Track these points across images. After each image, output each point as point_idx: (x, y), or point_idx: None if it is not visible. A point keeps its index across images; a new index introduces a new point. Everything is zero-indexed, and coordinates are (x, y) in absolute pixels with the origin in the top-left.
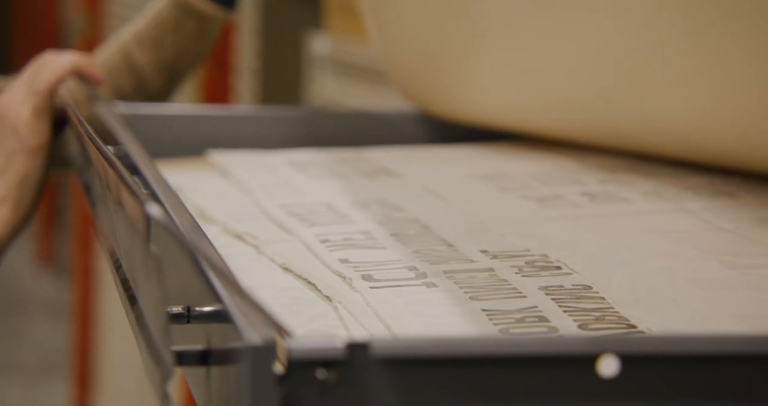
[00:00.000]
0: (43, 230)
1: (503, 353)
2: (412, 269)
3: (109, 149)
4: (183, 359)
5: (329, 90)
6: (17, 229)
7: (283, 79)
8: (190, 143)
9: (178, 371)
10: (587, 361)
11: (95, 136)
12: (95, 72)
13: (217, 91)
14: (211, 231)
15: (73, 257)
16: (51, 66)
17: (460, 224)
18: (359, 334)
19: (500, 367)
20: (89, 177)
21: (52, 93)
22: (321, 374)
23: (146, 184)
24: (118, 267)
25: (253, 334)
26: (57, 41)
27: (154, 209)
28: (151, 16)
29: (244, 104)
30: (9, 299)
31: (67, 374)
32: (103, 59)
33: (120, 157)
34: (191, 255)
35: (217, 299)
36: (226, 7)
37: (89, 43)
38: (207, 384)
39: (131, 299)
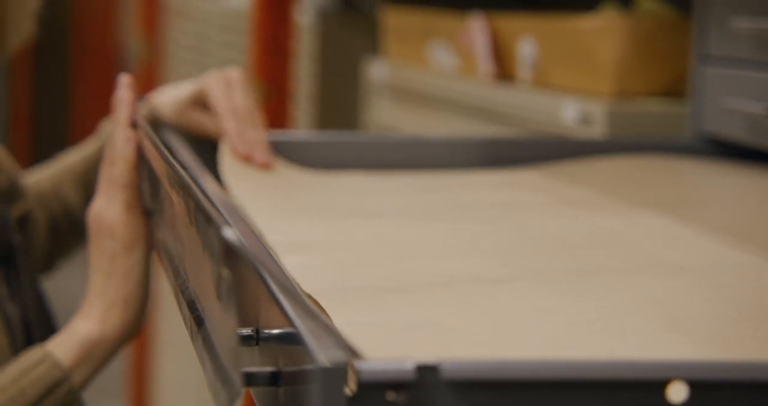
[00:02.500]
0: None
1: (573, 378)
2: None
3: (185, 172)
4: (253, 380)
5: (386, 116)
6: (132, 327)
7: (340, 105)
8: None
9: (245, 392)
10: (657, 387)
11: (171, 158)
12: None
13: (275, 117)
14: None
15: None
16: (119, 154)
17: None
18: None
19: (570, 391)
20: (152, 201)
21: (134, 183)
22: (391, 396)
23: (216, 208)
24: (183, 289)
25: (324, 356)
26: (114, 64)
27: (229, 233)
28: (84, 155)
29: (301, 130)
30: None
31: (124, 396)
32: (36, 180)
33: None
34: (262, 278)
35: (288, 321)
36: None
37: (148, 67)
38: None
39: (198, 321)
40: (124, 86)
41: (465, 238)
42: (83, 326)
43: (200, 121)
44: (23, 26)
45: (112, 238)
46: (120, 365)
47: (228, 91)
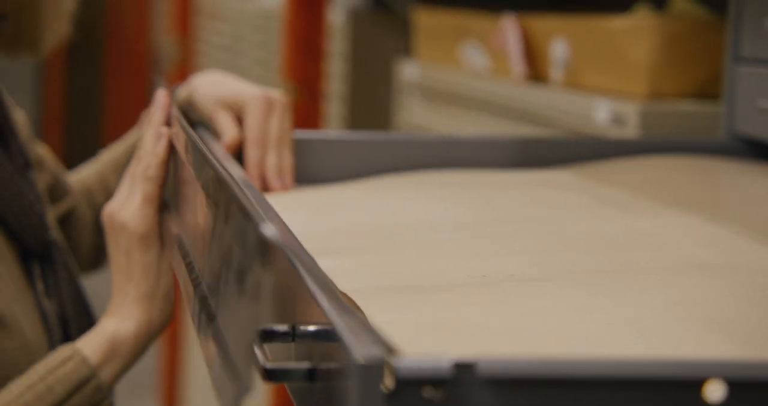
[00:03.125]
0: None
1: (610, 376)
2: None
3: (222, 168)
4: (289, 376)
5: (417, 116)
6: (159, 322)
7: (372, 105)
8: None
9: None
10: (693, 386)
11: (209, 153)
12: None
13: (307, 116)
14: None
15: None
16: (149, 150)
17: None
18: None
19: (606, 389)
20: (174, 196)
21: (159, 177)
22: (428, 392)
23: (255, 205)
24: (196, 285)
25: (361, 353)
26: (147, 65)
27: (268, 229)
28: (127, 145)
29: (333, 130)
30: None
31: (155, 394)
32: (82, 177)
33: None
34: (300, 275)
35: (326, 318)
36: None
37: (180, 68)
38: (312, 401)
39: (209, 317)
40: (162, 91)
41: (499, 238)
42: (110, 324)
43: (225, 125)
44: (58, 26)
45: (124, 233)
46: (151, 363)
47: (267, 114)
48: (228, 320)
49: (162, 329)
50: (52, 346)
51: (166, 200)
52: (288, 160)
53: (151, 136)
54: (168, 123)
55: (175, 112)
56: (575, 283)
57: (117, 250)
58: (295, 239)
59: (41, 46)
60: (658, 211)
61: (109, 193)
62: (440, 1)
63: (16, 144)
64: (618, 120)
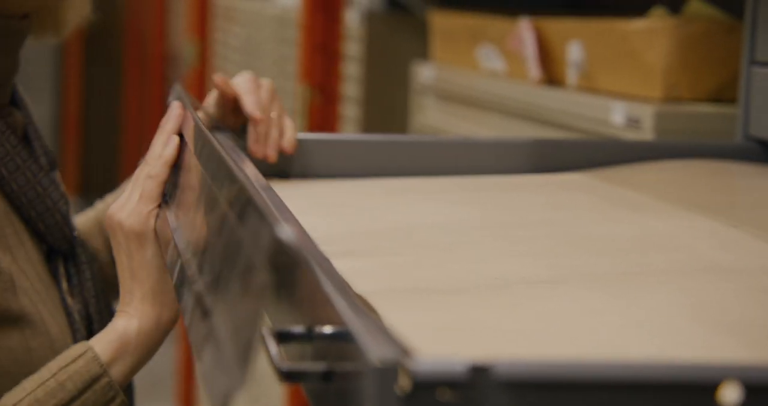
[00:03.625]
0: None
1: (625, 379)
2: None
3: (238, 168)
4: (305, 377)
5: (433, 119)
6: (167, 317)
7: (388, 107)
8: (303, 167)
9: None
10: (708, 389)
11: (223, 149)
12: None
13: (323, 118)
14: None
15: None
16: (156, 153)
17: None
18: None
19: (621, 392)
20: (172, 194)
21: (162, 177)
22: (443, 395)
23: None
24: (193, 282)
25: (376, 355)
26: (166, 67)
27: (285, 231)
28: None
29: (349, 133)
30: None
31: (172, 396)
32: (80, 222)
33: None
34: (315, 276)
35: (341, 319)
36: None
37: (198, 70)
38: (328, 402)
39: (204, 313)
40: (176, 102)
41: (514, 240)
42: (120, 322)
43: (224, 119)
44: (81, 7)
45: (121, 232)
46: (168, 364)
47: (255, 87)
48: (225, 319)
49: (172, 325)
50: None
51: (166, 199)
52: (290, 123)
53: (160, 142)
54: (179, 133)
55: (192, 114)
56: (588, 285)
57: (118, 250)
58: (311, 240)
59: (64, 29)
60: (673, 213)
61: (105, 239)
62: (456, 3)
63: (40, 144)
64: (633, 122)
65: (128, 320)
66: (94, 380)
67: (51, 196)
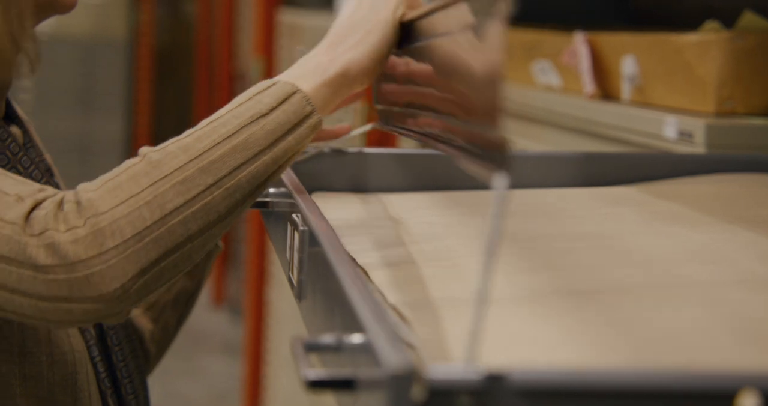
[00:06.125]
0: (218, 273)
1: (641, 387)
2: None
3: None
4: (329, 385)
5: None
6: (368, 58)
7: None
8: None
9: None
10: (726, 397)
11: None
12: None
13: (383, 135)
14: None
15: (245, 298)
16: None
17: None
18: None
19: (638, 401)
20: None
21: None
22: (459, 403)
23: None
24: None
25: (392, 363)
26: (233, 85)
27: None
28: None
29: (406, 147)
30: (187, 338)
31: None
32: None
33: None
34: (341, 285)
35: (360, 327)
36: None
37: None
38: None
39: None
40: None
41: (553, 253)
42: (311, 58)
43: None
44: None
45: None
46: (237, 379)
47: None
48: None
49: (374, 65)
50: (88, 347)
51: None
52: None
53: None
54: None
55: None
56: (622, 297)
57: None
58: (344, 250)
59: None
60: (719, 226)
61: None
62: (510, 18)
63: (37, 154)
64: (686, 136)
65: (320, 56)
66: (290, 94)
67: None
